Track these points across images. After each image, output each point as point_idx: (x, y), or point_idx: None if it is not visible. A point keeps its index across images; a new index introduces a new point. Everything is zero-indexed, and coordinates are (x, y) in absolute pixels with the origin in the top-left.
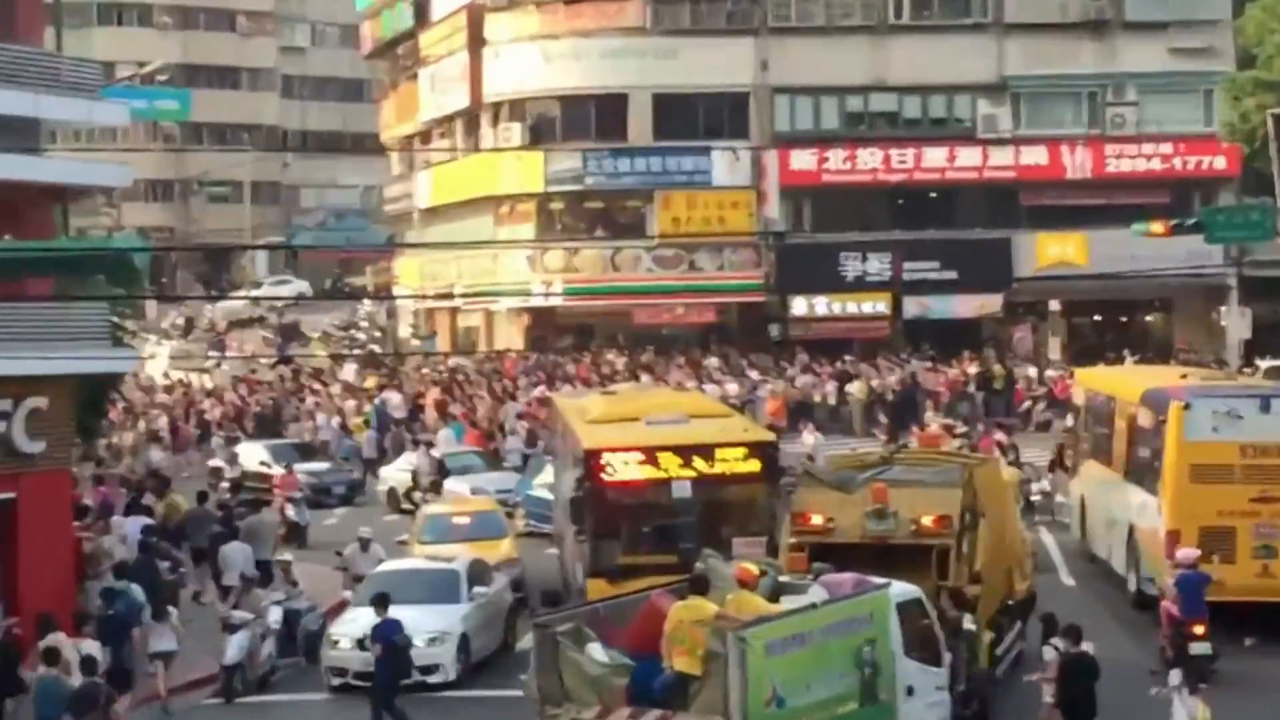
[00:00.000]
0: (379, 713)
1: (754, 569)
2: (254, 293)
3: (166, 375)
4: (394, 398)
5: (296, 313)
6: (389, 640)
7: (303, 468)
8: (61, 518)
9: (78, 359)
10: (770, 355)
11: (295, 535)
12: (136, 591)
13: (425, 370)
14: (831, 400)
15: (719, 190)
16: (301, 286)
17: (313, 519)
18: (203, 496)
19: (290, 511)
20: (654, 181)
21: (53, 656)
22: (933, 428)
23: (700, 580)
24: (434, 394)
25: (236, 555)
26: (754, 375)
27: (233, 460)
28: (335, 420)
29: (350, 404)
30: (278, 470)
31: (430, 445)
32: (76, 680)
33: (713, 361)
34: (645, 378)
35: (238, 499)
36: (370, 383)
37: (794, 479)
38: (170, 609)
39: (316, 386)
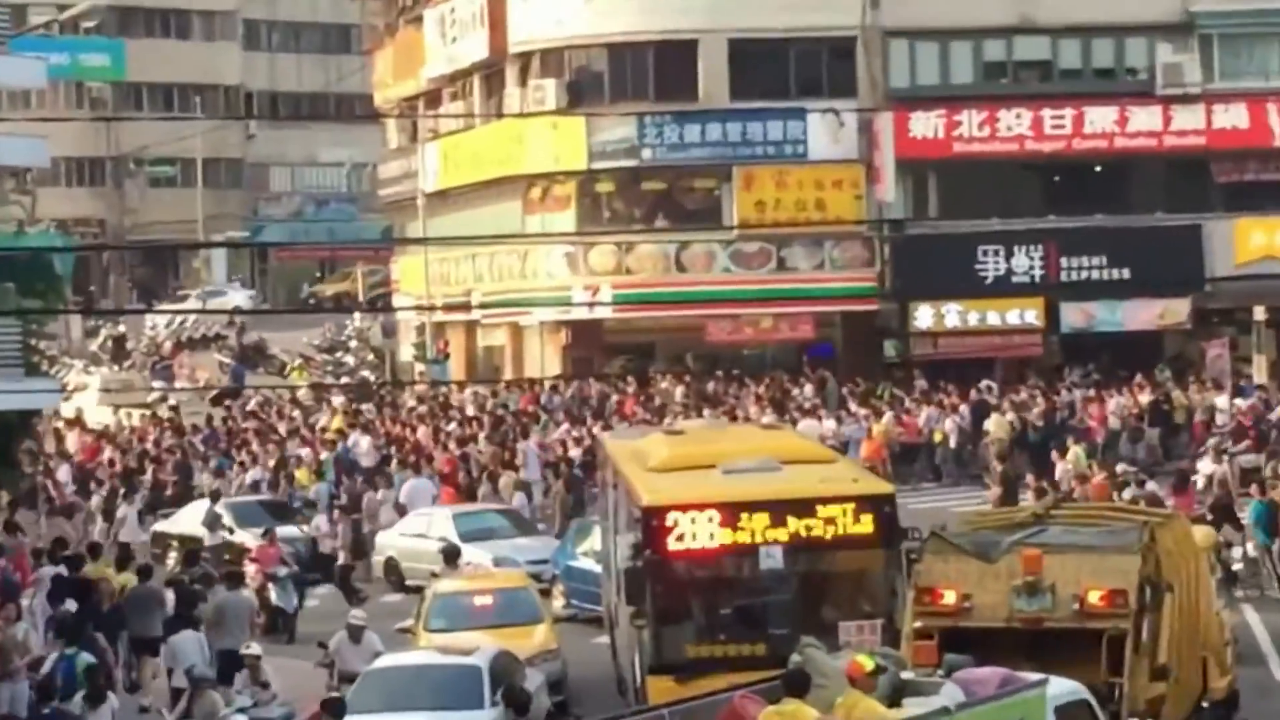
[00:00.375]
0: None
1: (868, 663)
2: (195, 306)
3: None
4: (363, 442)
5: (261, 328)
6: None
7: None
8: None
9: None
10: (882, 380)
11: (279, 624)
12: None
13: (413, 405)
14: (953, 441)
15: (816, 165)
16: (240, 298)
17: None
18: (146, 571)
19: (273, 594)
20: (731, 155)
21: None
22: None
23: (797, 678)
24: (421, 433)
25: (190, 646)
26: (855, 409)
27: (213, 524)
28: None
29: (304, 451)
30: (244, 536)
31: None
32: None
33: (806, 390)
34: (708, 413)
35: (191, 574)
36: (336, 423)
37: (919, 543)
38: (110, 694)
39: (275, 426)
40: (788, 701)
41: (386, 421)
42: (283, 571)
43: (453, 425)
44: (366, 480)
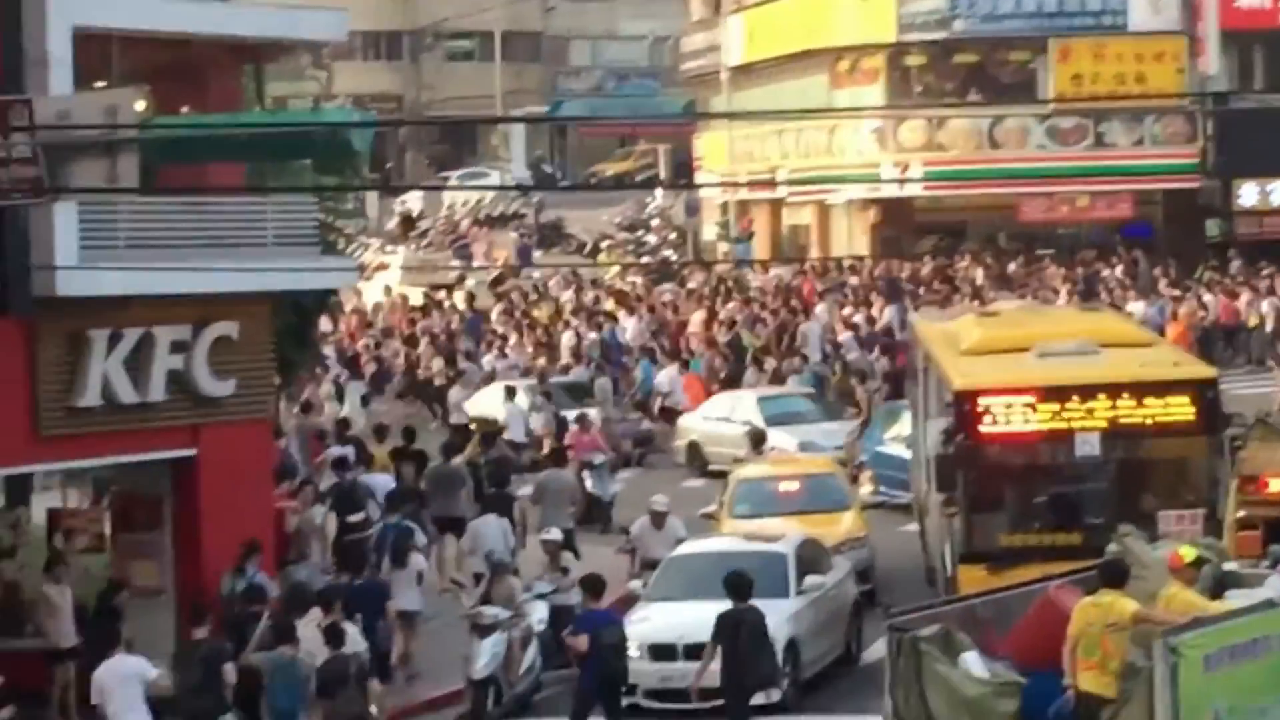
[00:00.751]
0: None
1: (1190, 554)
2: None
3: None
4: (630, 325)
5: (560, 207)
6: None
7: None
8: (258, 481)
9: (278, 270)
10: (1202, 262)
11: (595, 513)
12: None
13: (694, 288)
14: (1269, 325)
15: (1136, 37)
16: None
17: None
18: (450, 449)
19: (589, 481)
20: (1047, 26)
21: (289, 633)
22: None
23: (1115, 568)
24: (698, 318)
25: (493, 530)
26: (1166, 290)
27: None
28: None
29: (566, 336)
30: (537, 419)
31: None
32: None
33: (1117, 272)
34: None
35: (489, 456)
36: (608, 305)
37: (1245, 430)
38: (416, 554)
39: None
40: (1104, 593)
41: (658, 305)
42: (599, 459)
43: (731, 305)
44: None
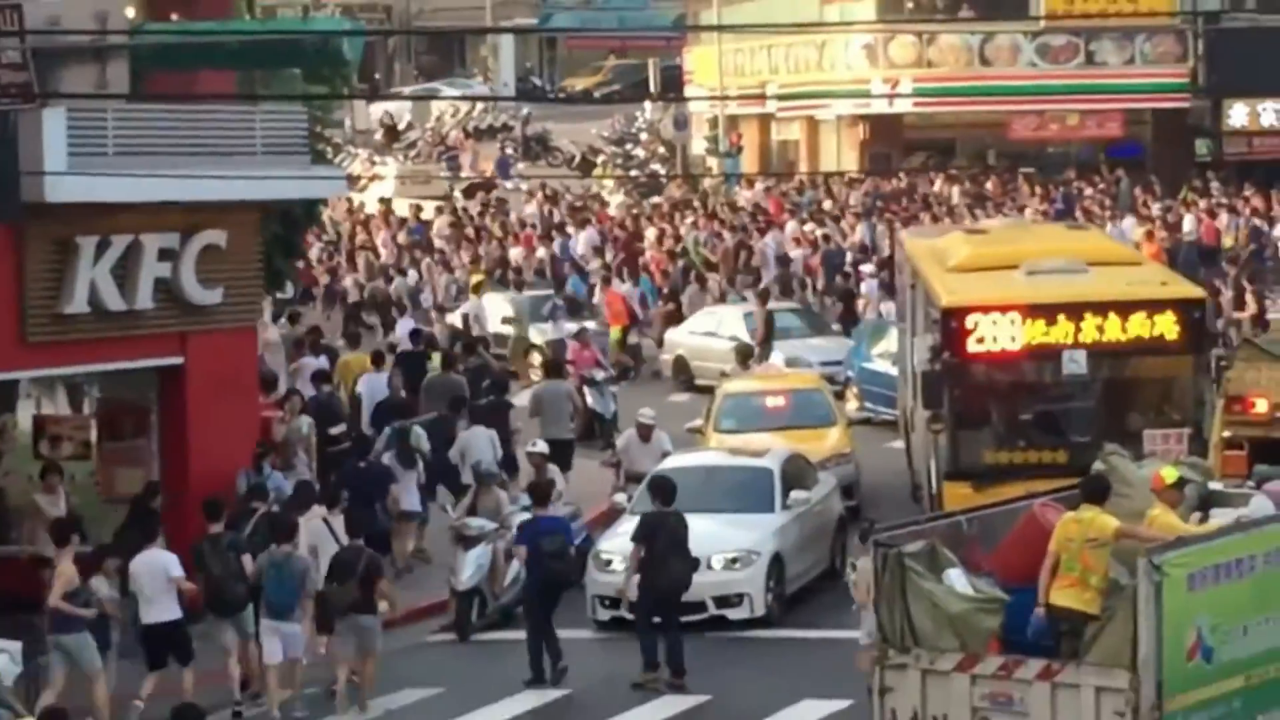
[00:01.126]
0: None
1: (1171, 474)
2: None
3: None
4: (581, 238)
5: (547, 121)
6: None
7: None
8: (244, 390)
9: (267, 179)
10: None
11: (597, 429)
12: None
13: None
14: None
15: None
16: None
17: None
18: (447, 361)
19: (589, 397)
20: None
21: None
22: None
23: (1096, 484)
24: (651, 234)
25: (481, 441)
26: (1143, 211)
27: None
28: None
29: (515, 250)
30: (537, 330)
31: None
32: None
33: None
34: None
35: (469, 364)
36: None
37: (1230, 351)
38: (419, 457)
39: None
40: (1085, 509)
41: (609, 219)
42: (599, 375)
43: (689, 220)
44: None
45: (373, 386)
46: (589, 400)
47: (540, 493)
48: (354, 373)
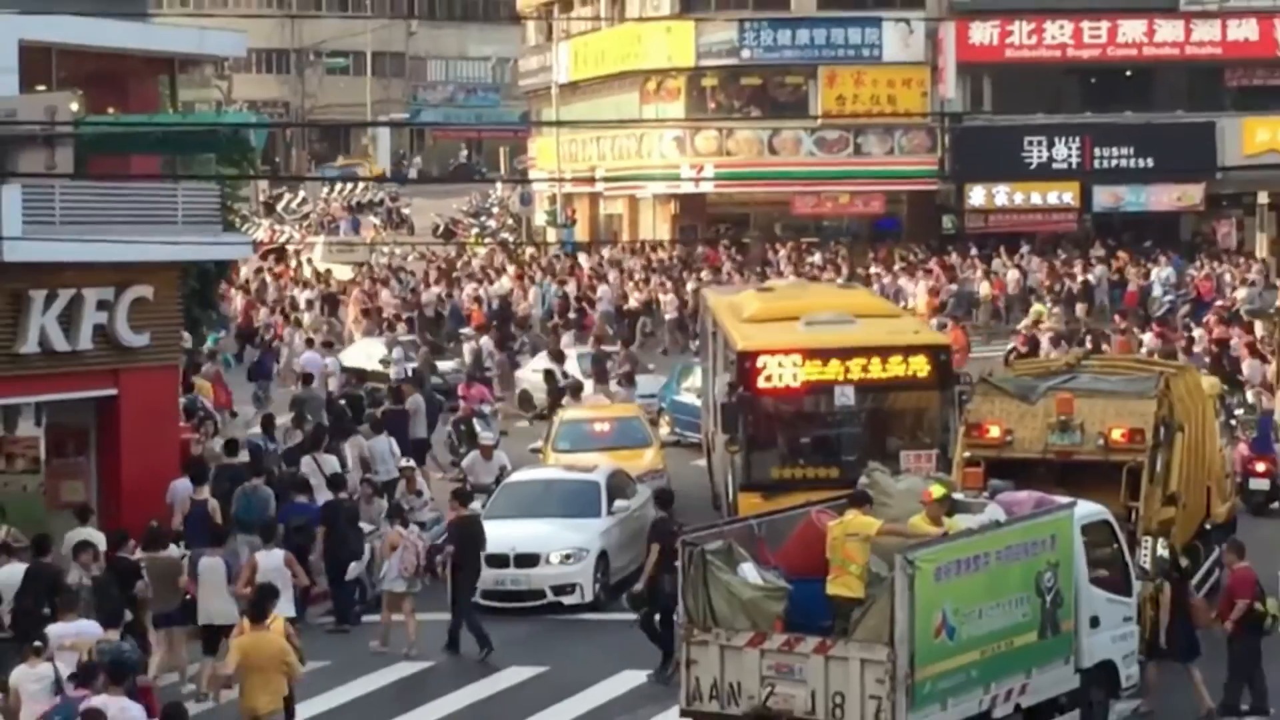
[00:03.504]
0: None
1: (938, 491)
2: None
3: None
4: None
5: (417, 196)
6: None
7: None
8: (167, 417)
9: (186, 243)
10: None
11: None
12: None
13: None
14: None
15: (889, 66)
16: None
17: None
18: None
19: (477, 425)
20: (817, 56)
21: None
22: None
23: (859, 494)
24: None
25: (382, 449)
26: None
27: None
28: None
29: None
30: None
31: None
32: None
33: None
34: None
35: (354, 389)
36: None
37: (970, 387)
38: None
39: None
40: (850, 513)
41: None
42: (487, 408)
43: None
44: None
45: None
46: (477, 428)
47: (464, 496)
48: None
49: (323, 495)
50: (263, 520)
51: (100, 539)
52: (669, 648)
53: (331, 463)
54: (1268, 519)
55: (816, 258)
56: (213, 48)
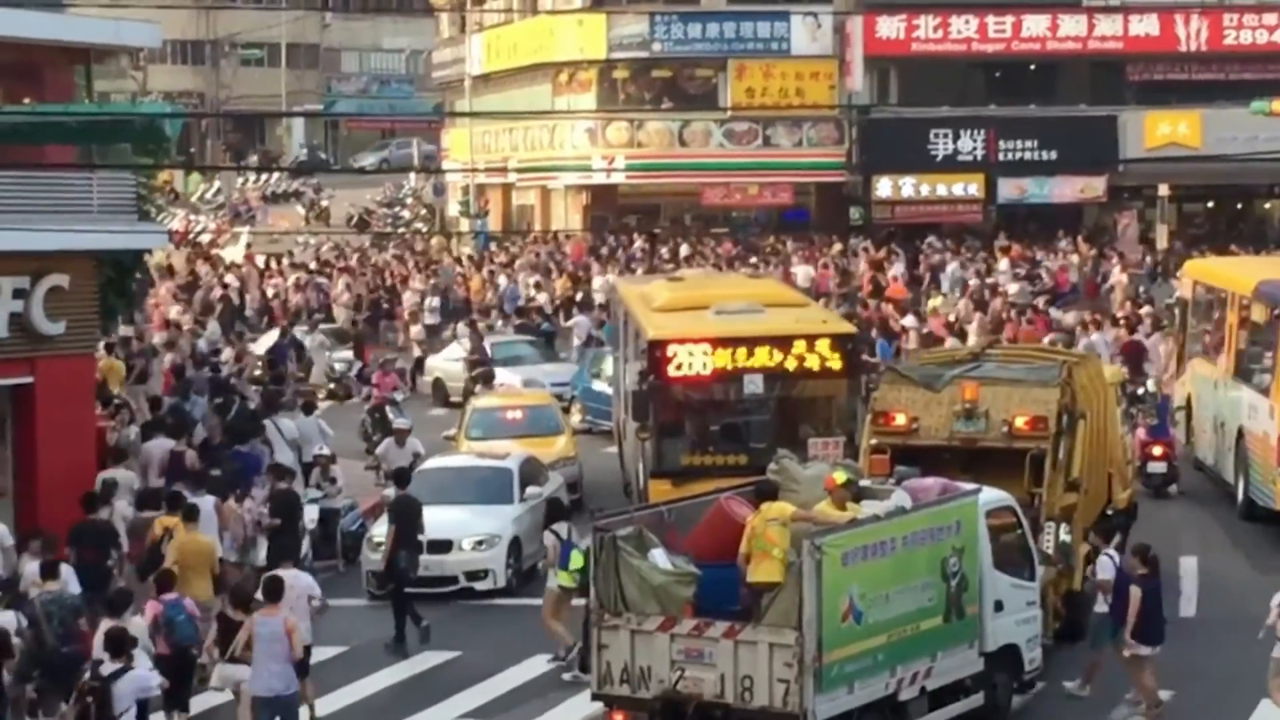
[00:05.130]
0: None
1: (841, 476)
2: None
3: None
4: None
5: (332, 187)
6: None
7: (340, 356)
8: (83, 404)
9: (102, 233)
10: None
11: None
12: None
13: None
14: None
15: (798, 60)
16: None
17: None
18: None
19: (390, 413)
20: (727, 49)
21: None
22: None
23: (766, 486)
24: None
25: (311, 430)
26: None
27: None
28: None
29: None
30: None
31: (474, 323)
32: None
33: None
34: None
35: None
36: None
37: (876, 375)
38: None
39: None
40: (764, 506)
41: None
42: (399, 396)
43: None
44: None
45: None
46: (390, 415)
47: (403, 476)
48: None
49: (283, 454)
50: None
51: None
52: (401, 622)
53: (290, 428)
54: (1166, 500)
55: (725, 246)
56: (128, 38)
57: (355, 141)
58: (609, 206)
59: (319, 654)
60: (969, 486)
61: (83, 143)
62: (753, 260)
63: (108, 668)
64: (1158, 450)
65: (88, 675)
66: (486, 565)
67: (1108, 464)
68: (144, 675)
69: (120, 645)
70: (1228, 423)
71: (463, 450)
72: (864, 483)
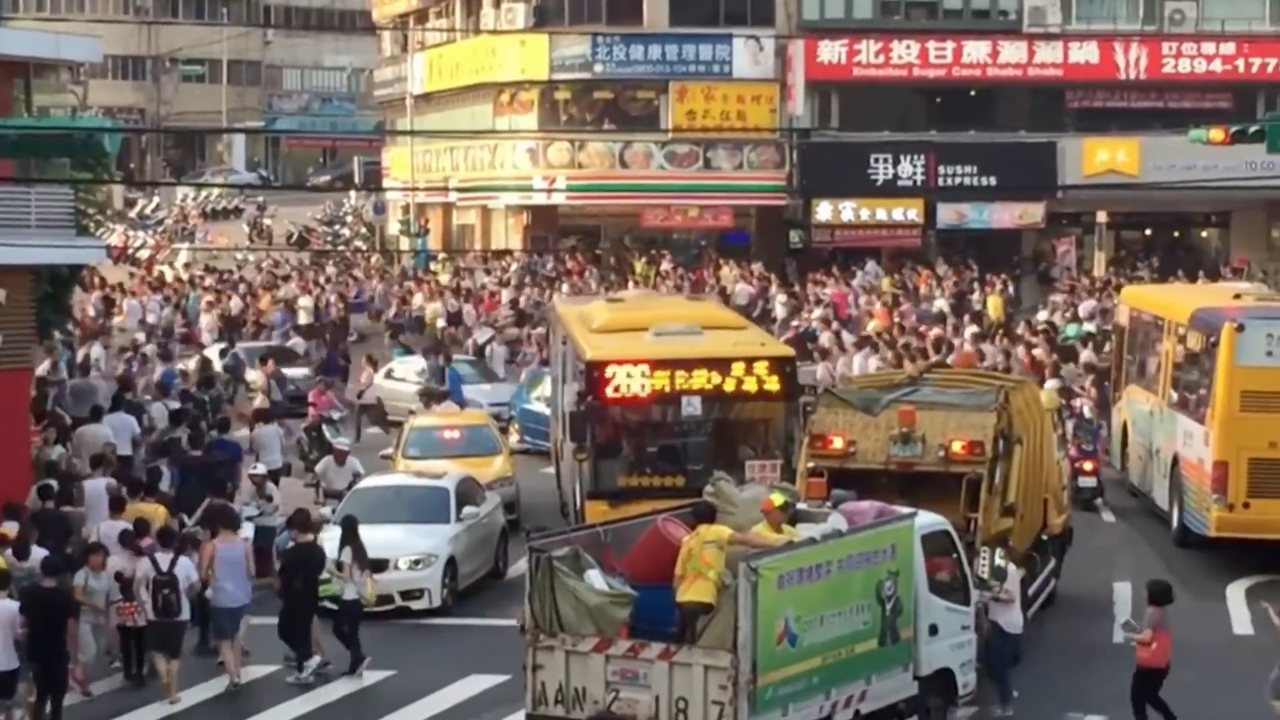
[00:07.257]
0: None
1: (779, 499)
2: (213, 182)
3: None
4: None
5: (272, 204)
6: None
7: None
8: (18, 418)
9: (39, 247)
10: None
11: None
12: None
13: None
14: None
15: (739, 82)
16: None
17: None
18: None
19: (327, 433)
20: (669, 71)
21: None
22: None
23: (703, 509)
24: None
25: (270, 438)
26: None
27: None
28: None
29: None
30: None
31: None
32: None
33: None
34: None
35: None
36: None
37: (813, 398)
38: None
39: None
40: (700, 528)
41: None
42: (336, 415)
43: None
44: None
45: None
46: (327, 434)
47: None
48: None
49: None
50: None
51: None
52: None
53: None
54: (1100, 526)
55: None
56: (68, 53)
57: (297, 159)
58: (549, 227)
59: (253, 671)
60: (905, 510)
61: (21, 156)
62: (691, 276)
63: (163, 559)
64: (1088, 466)
65: (154, 573)
66: (422, 585)
67: (1044, 489)
68: (189, 563)
69: (170, 536)
70: (1163, 449)
71: (400, 469)
72: (801, 505)
